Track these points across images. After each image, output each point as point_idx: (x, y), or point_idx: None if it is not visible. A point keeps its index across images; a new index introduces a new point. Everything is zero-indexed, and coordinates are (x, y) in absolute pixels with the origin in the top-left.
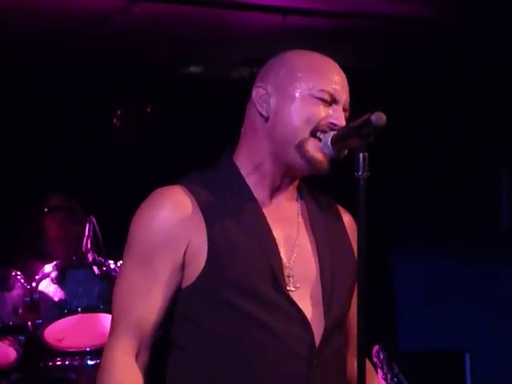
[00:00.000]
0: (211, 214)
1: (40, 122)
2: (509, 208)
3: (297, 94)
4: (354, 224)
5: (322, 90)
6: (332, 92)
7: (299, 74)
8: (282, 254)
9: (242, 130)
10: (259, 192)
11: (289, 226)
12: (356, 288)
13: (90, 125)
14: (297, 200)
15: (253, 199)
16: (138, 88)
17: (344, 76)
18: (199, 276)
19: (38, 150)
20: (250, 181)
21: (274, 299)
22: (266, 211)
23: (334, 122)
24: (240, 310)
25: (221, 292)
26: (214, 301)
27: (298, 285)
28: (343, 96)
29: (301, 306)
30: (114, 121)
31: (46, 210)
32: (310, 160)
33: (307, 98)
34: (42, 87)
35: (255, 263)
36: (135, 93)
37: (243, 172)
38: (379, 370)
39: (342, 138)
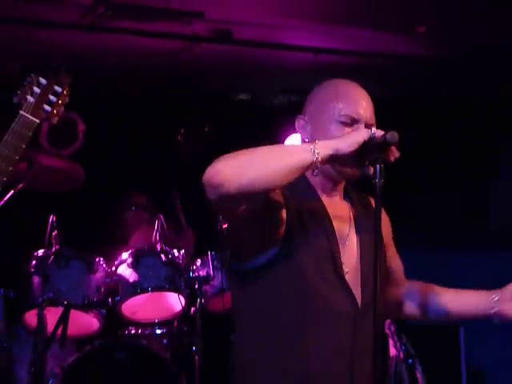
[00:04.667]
0: (289, 202)
1: (125, 140)
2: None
3: (324, 121)
4: (384, 214)
5: (343, 115)
6: (351, 114)
7: (326, 104)
8: (341, 247)
9: None
10: (319, 191)
11: (343, 222)
12: (388, 258)
13: (160, 140)
14: (345, 199)
15: (318, 197)
16: (197, 111)
17: (365, 97)
18: (280, 246)
19: (125, 159)
20: (312, 183)
21: (332, 278)
22: (328, 209)
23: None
24: (304, 280)
25: (294, 268)
26: (287, 274)
27: (347, 270)
28: (363, 114)
29: (354, 293)
30: (179, 137)
31: (132, 207)
32: (341, 173)
33: (333, 124)
34: (128, 113)
35: (321, 247)
36: (195, 115)
37: (308, 175)
38: (390, 340)
39: (368, 151)
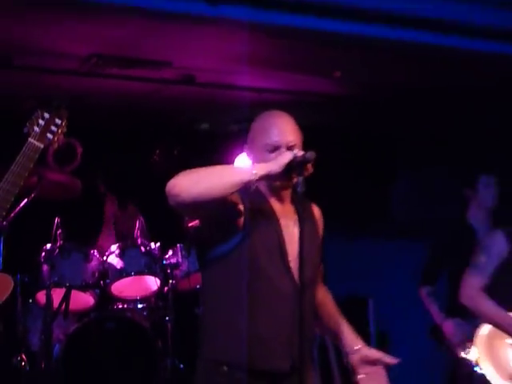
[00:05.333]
0: (245, 202)
1: (113, 160)
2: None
3: (257, 150)
4: (319, 213)
5: (267, 144)
6: (272, 143)
7: (255, 138)
8: (286, 240)
9: None
10: (269, 198)
11: (288, 221)
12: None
13: (141, 160)
14: (291, 203)
15: (267, 201)
16: (169, 137)
17: (287, 125)
18: (238, 242)
19: (114, 174)
20: (263, 191)
21: (279, 263)
22: (276, 211)
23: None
24: (260, 272)
25: (249, 256)
26: (242, 261)
27: (290, 258)
28: (284, 140)
29: (294, 277)
30: (155, 157)
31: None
32: (273, 186)
33: (261, 152)
34: (115, 139)
35: (270, 239)
36: (167, 140)
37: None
38: None
39: (289, 168)
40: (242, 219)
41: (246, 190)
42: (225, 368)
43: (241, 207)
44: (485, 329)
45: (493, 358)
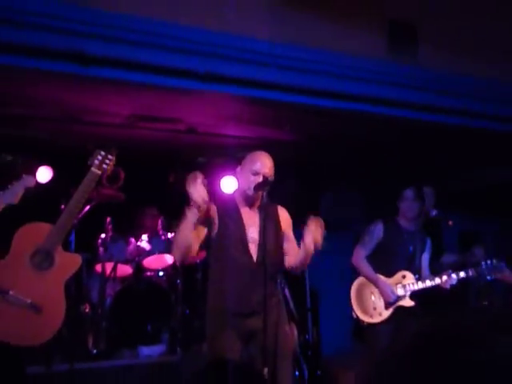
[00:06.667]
0: (220, 213)
1: (144, 181)
2: None
3: (244, 173)
4: (284, 213)
5: (252, 170)
6: (256, 170)
7: (245, 165)
8: (248, 232)
9: None
10: (240, 205)
11: (252, 219)
12: (285, 242)
13: (162, 180)
14: (257, 208)
15: (238, 208)
16: (180, 166)
17: (265, 161)
18: (216, 235)
19: (144, 190)
20: (237, 200)
21: (241, 250)
22: (243, 213)
23: (254, 184)
24: (228, 252)
25: (221, 243)
26: (220, 246)
27: (250, 245)
28: (262, 171)
29: (252, 254)
30: (170, 179)
31: (148, 214)
32: (248, 196)
33: (247, 174)
34: (146, 167)
35: (235, 234)
36: (179, 168)
37: (236, 197)
38: None
39: (257, 186)
40: (216, 224)
41: (225, 202)
42: (218, 313)
43: (215, 218)
44: (356, 283)
45: (359, 300)
